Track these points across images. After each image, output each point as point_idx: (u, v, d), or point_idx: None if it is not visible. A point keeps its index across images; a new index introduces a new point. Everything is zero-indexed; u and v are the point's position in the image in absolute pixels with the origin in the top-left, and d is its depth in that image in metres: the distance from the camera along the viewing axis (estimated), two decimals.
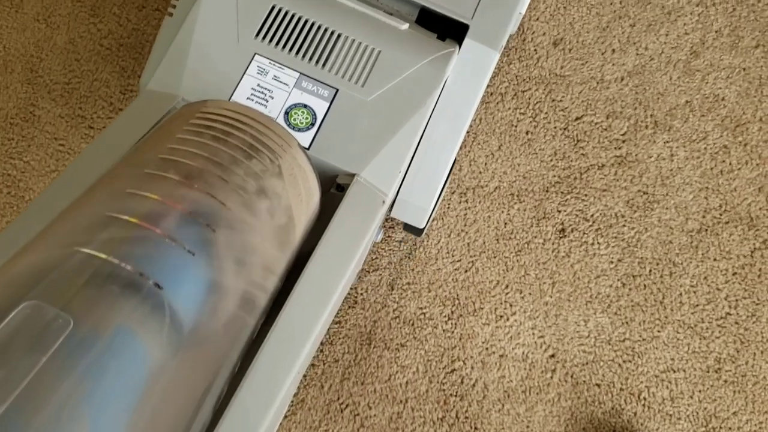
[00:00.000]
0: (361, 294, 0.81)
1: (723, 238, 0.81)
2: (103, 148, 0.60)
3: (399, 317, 0.80)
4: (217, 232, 0.46)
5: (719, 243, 0.81)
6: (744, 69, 0.86)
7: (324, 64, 0.68)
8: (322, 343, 0.77)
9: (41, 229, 0.47)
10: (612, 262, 0.81)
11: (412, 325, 0.80)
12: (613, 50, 0.86)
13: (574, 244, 0.81)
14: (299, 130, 0.67)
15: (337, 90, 0.67)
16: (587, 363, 0.79)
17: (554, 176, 0.83)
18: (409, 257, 0.81)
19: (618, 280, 0.80)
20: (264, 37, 0.68)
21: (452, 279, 0.81)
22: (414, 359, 0.79)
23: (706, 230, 0.81)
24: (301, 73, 0.68)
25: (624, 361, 0.79)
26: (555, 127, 0.84)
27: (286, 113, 0.67)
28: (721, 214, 0.82)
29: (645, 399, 0.78)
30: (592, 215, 0.82)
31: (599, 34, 0.86)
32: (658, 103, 0.85)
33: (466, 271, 0.81)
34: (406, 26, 0.69)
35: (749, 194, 0.82)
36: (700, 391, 0.78)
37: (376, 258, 0.81)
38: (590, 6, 0.87)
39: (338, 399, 0.78)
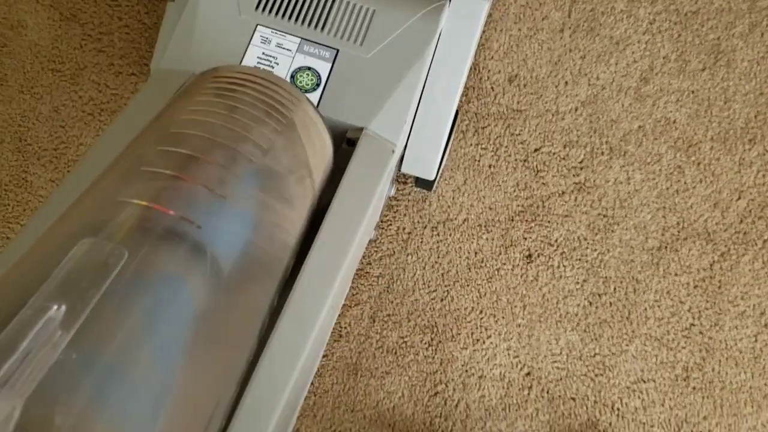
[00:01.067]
0: (345, 328, 0.95)
1: (682, 253, 0.96)
2: (126, 122, 0.70)
3: (382, 347, 0.94)
4: (243, 179, 0.57)
5: (679, 258, 0.96)
6: (692, 92, 1.01)
7: (323, 28, 0.80)
8: (314, 375, 0.92)
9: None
10: (578, 283, 0.96)
11: (395, 353, 0.94)
12: (566, 82, 1.01)
13: (541, 268, 0.96)
14: (306, 91, 0.78)
15: (338, 50, 0.79)
16: (561, 378, 0.93)
17: (518, 206, 0.98)
18: (387, 290, 0.96)
19: (585, 299, 0.95)
20: (264, 9, 0.80)
21: (429, 308, 0.95)
22: (399, 385, 0.93)
23: (666, 247, 0.96)
24: (302, 38, 0.80)
25: (596, 375, 0.93)
26: (515, 160, 0.99)
27: (292, 77, 0.79)
28: (679, 231, 0.97)
29: (618, 409, 0.92)
30: (556, 240, 0.97)
31: (551, 68, 1.02)
32: (612, 129, 1.00)
33: (442, 300, 0.95)
34: None
35: (705, 210, 0.97)
36: (670, 399, 0.92)
37: (357, 293, 0.95)
38: (541, 42, 1.02)
39: (331, 427, 0.92)
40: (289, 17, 0.81)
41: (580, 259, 0.94)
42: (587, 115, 0.98)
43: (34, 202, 0.98)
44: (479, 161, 0.97)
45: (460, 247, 0.95)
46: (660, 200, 0.96)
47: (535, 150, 0.97)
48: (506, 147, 0.97)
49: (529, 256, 0.95)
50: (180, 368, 0.46)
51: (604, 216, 0.95)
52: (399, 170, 0.84)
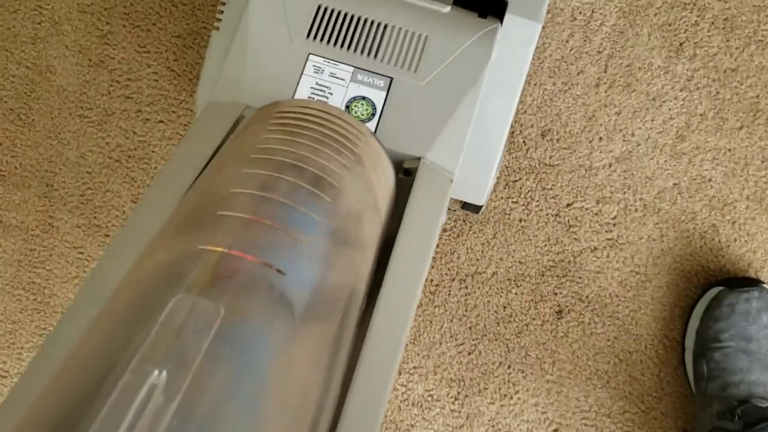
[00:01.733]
0: None
1: None
2: (185, 158, 0.81)
3: (407, 399, 1.16)
4: (318, 221, 0.66)
5: None
6: (729, 150, 1.25)
7: (376, 55, 0.92)
8: None
9: (144, 242, 0.67)
10: (609, 340, 1.18)
11: (421, 406, 1.16)
12: (600, 138, 1.25)
13: (572, 324, 1.19)
14: (361, 121, 0.88)
15: (392, 78, 0.91)
16: None
17: (549, 260, 1.20)
18: (413, 342, 1.18)
19: (615, 356, 1.18)
20: (315, 37, 0.92)
21: (456, 362, 1.18)
22: None
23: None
24: (355, 67, 0.92)
25: None
26: (547, 214, 1.22)
27: (347, 107, 0.90)
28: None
29: None
30: (587, 296, 1.19)
31: (586, 123, 1.25)
32: (646, 186, 1.23)
33: (469, 354, 1.18)
34: (447, 9, 0.94)
35: (739, 270, 1.20)
36: None
37: None
38: (576, 97, 1.27)
39: None
40: (341, 45, 0.93)
41: (611, 316, 1.17)
42: (621, 172, 1.22)
43: (60, 248, 1.23)
44: (509, 215, 1.21)
45: (488, 301, 1.18)
46: (693, 258, 1.19)
47: (567, 205, 1.21)
48: (537, 201, 1.21)
49: (560, 311, 1.18)
50: (271, 424, 0.53)
51: (637, 273, 1.19)
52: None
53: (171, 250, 0.63)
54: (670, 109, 1.23)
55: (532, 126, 1.23)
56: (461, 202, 1.09)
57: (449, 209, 1.19)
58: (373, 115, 0.91)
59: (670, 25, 1.24)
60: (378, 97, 0.92)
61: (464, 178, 0.93)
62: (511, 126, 1.18)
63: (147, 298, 0.56)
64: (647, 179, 1.20)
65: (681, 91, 1.24)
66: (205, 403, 0.49)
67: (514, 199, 1.20)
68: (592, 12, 1.24)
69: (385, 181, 0.83)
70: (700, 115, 1.23)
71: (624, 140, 1.22)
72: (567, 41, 1.24)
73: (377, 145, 0.83)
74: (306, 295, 0.62)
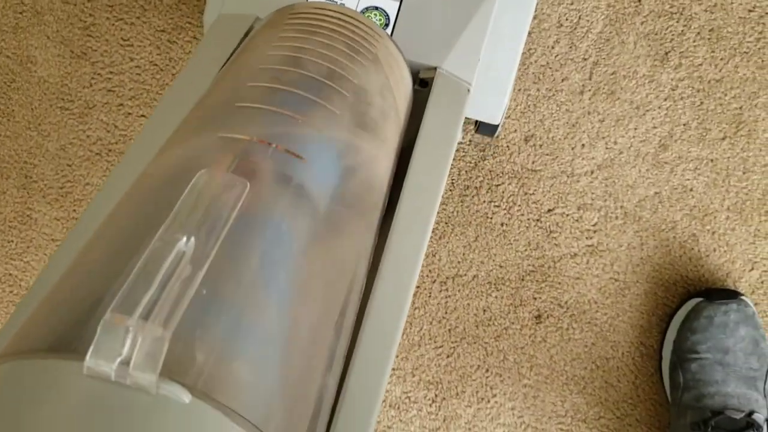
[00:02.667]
0: None
1: None
2: (197, 68, 0.83)
3: (385, 401, 1.17)
4: (339, 115, 0.67)
5: None
6: (711, 160, 1.26)
7: None
8: None
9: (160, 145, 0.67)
10: (586, 346, 1.19)
11: (398, 408, 1.17)
12: (583, 145, 1.26)
13: (550, 329, 1.20)
14: None
15: None
16: None
17: (529, 265, 1.22)
18: None
19: (592, 362, 1.19)
20: None
21: (435, 364, 1.19)
22: None
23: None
24: None
25: None
26: (528, 219, 1.23)
27: None
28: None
29: None
30: (566, 302, 1.20)
31: (569, 130, 1.27)
32: (627, 194, 1.24)
33: (448, 356, 1.19)
34: None
35: (717, 280, 1.22)
36: None
37: None
38: (560, 103, 1.28)
39: None
40: None
41: (589, 322, 1.18)
42: (603, 179, 1.23)
43: (38, 240, 1.22)
44: (491, 218, 1.22)
45: (468, 304, 1.19)
46: (672, 267, 1.20)
47: (549, 210, 1.22)
48: (519, 206, 1.22)
49: (539, 316, 1.19)
50: (296, 308, 0.55)
51: (616, 280, 1.20)
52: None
53: (190, 143, 0.65)
54: (653, 118, 1.24)
55: (515, 131, 1.24)
56: (476, 125, 1.10)
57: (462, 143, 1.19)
58: (387, 25, 0.92)
59: (656, 34, 1.25)
60: (391, 7, 0.92)
61: (480, 96, 0.93)
62: (522, 54, 1.18)
63: (170, 183, 0.58)
64: (629, 187, 1.22)
65: (665, 100, 1.25)
66: (232, 276, 0.51)
67: (497, 203, 1.21)
68: (579, 18, 1.26)
69: (403, 85, 0.83)
70: (684, 124, 1.24)
71: (606, 148, 1.23)
72: (552, 47, 1.25)
73: (395, 48, 0.83)
74: (327, 182, 0.64)
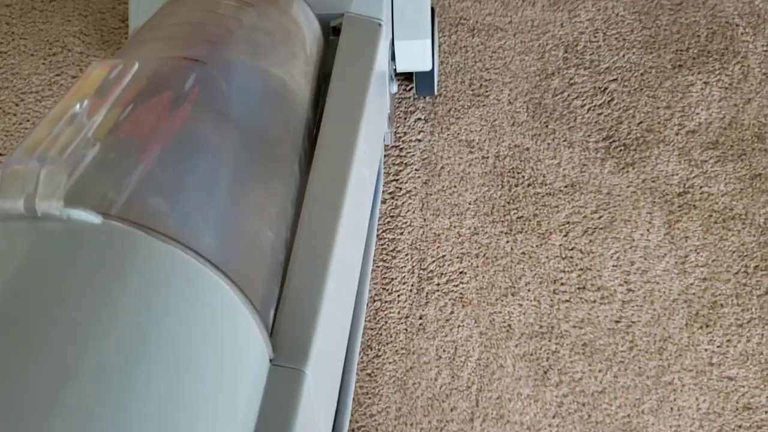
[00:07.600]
0: None
1: None
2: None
3: None
4: (243, 28, 0.84)
5: None
6: None
7: None
8: None
9: None
10: None
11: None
12: None
13: None
14: None
15: None
16: None
17: None
18: None
19: None
20: None
21: None
22: None
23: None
24: None
25: None
26: None
27: None
28: None
29: None
30: None
31: None
32: None
33: None
34: None
35: None
36: None
37: None
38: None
39: None
40: None
41: None
42: None
43: None
44: None
45: None
46: None
47: None
48: None
49: None
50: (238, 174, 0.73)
51: None
52: (395, 70, 1.05)
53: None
54: None
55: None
56: (415, 85, 1.16)
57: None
58: None
59: (531, 355, 1.34)
60: None
61: (403, 47, 1.01)
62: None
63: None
64: None
65: (553, 417, 1.32)
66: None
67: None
68: (455, 349, 1.35)
69: (309, 27, 0.93)
70: None
71: None
72: (435, 379, 1.33)
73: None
74: (243, 82, 0.82)
